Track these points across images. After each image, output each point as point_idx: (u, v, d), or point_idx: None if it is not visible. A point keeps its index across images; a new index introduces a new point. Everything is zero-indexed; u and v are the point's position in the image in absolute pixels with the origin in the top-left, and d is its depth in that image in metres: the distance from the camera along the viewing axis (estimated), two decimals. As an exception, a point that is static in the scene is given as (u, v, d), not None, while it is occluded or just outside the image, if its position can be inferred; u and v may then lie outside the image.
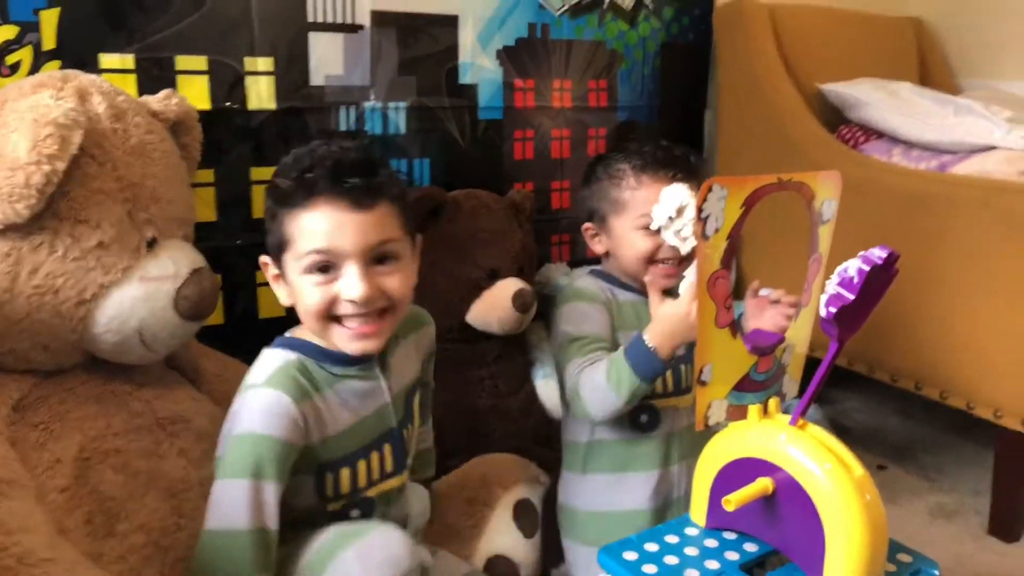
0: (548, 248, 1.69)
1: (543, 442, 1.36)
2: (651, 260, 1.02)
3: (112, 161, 0.93)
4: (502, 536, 1.12)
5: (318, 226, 0.79)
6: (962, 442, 1.71)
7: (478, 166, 1.57)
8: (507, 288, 1.35)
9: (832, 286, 0.66)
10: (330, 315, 0.82)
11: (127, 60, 1.21)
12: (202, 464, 1.02)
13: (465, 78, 1.53)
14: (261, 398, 0.80)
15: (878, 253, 0.64)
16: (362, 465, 0.87)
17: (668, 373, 1.04)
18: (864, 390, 1.92)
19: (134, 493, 0.95)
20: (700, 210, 0.68)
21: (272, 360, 0.84)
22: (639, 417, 1.04)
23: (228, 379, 1.22)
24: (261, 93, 1.32)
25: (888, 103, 1.56)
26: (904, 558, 0.79)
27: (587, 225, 1.10)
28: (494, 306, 1.35)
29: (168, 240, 1.00)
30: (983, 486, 1.50)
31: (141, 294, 0.94)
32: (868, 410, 1.86)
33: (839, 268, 0.66)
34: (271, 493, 0.77)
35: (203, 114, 1.16)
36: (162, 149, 1.02)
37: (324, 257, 0.79)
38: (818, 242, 0.80)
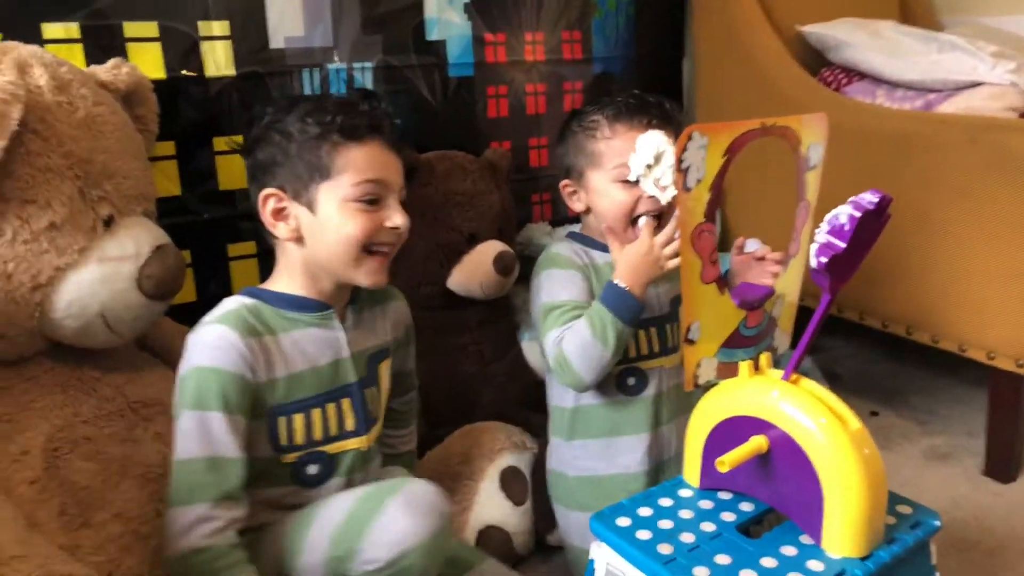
0: (529, 208, 1.65)
1: (532, 406, 1.34)
2: (632, 216, 0.97)
3: (57, 136, 0.88)
4: (491, 507, 1.10)
5: (373, 159, 0.85)
6: (953, 384, 1.70)
7: (451, 126, 1.51)
8: (488, 251, 1.31)
9: (822, 235, 0.62)
10: (366, 246, 0.86)
11: (71, 29, 1.14)
12: (179, 447, 1.00)
13: (432, 34, 1.47)
14: (206, 333, 0.82)
15: (869, 198, 0.61)
16: (316, 414, 0.87)
17: (653, 332, 1.01)
18: (854, 336, 1.91)
19: (109, 481, 0.92)
20: (680, 160, 0.64)
21: (226, 304, 0.86)
22: (626, 380, 1.01)
23: (203, 358, 1.19)
24: (218, 59, 1.26)
25: (870, 43, 1.51)
26: (904, 509, 0.77)
27: (564, 182, 1.05)
28: (475, 270, 1.32)
29: (127, 218, 0.95)
30: (976, 427, 1.49)
31: (100, 276, 0.90)
32: (859, 356, 1.85)
33: (829, 215, 0.63)
34: (220, 422, 0.79)
35: (158, 83, 1.11)
36: (113, 122, 0.96)
37: (375, 187, 0.85)
38: (805, 189, 0.77)
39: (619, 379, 1.00)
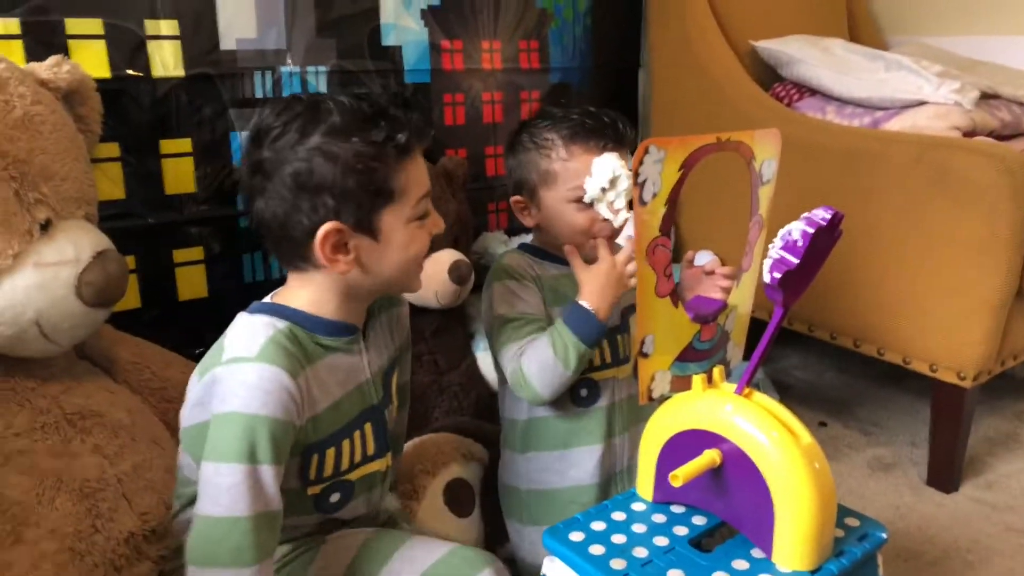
0: (485, 216, 1.64)
1: (487, 416, 1.33)
2: (589, 236, 0.97)
3: (-8, 135, 0.84)
4: (435, 523, 1.08)
5: (422, 171, 0.81)
6: (898, 395, 1.74)
7: (407, 133, 1.50)
8: (443, 260, 1.30)
9: (775, 250, 0.63)
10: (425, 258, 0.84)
11: (10, 25, 1.10)
12: (119, 459, 0.96)
13: (389, 40, 1.45)
14: (254, 374, 0.73)
15: (822, 214, 0.61)
16: (346, 445, 0.83)
17: (605, 344, 1.01)
18: (804, 348, 1.94)
19: (43, 496, 0.89)
20: (636, 174, 0.64)
21: (259, 329, 0.76)
22: (579, 391, 1.00)
23: (146, 367, 1.16)
24: (166, 59, 1.22)
25: (820, 59, 1.55)
26: (852, 522, 0.78)
27: (516, 197, 1.04)
28: (430, 279, 1.30)
29: (66, 221, 0.92)
30: (919, 438, 1.53)
31: (36, 281, 0.87)
32: (808, 368, 1.89)
33: (782, 231, 0.63)
34: (270, 476, 0.72)
35: (102, 83, 1.07)
36: (52, 121, 0.93)
37: (427, 200, 0.82)
38: (758, 204, 0.77)
39: (572, 390, 1.00)
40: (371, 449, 0.86)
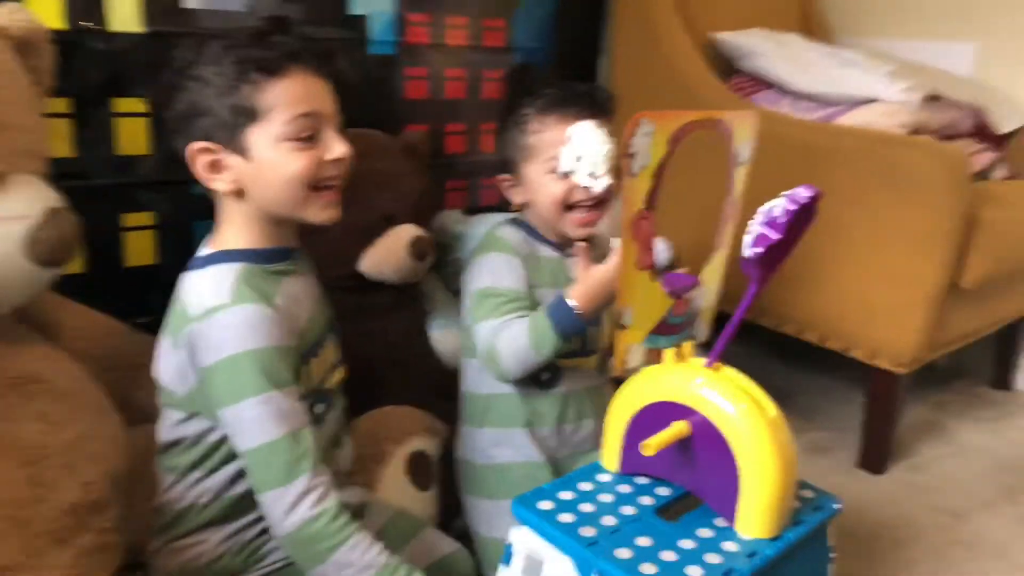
0: (443, 195, 1.63)
1: (442, 393, 1.32)
2: (567, 206, 0.98)
3: (-59, 81, 0.79)
4: (395, 492, 1.08)
5: (299, 91, 0.79)
6: (834, 382, 1.82)
7: (369, 105, 1.48)
8: (403, 235, 1.28)
9: (756, 226, 0.64)
10: (312, 183, 0.82)
11: (-42, -34, 1.03)
12: (63, 427, 0.93)
13: (355, 8, 1.42)
14: (233, 316, 0.77)
15: (804, 192, 0.63)
16: (323, 354, 0.88)
17: None
18: (744, 336, 1.99)
19: (-17, 463, 0.84)
20: (627, 146, 0.64)
21: (221, 277, 0.79)
22: (541, 375, 1.02)
23: (90, 334, 1.12)
24: (125, 13, 1.17)
25: (777, 53, 1.59)
26: (807, 494, 0.81)
27: (502, 176, 1.05)
28: (389, 254, 1.28)
29: (16, 175, 0.87)
30: (852, 423, 1.60)
31: (-18, 237, 0.82)
32: (749, 355, 1.93)
33: (762, 208, 0.65)
34: (287, 397, 0.77)
35: (56, 34, 1.02)
36: (6, 70, 0.88)
37: (308, 121, 0.80)
38: (734, 184, 0.79)
39: (535, 372, 1.00)
40: (334, 357, 0.92)
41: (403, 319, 1.39)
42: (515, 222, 1.05)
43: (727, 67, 1.70)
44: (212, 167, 0.80)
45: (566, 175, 0.94)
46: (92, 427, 0.97)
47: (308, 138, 0.80)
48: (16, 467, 0.87)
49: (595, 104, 0.97)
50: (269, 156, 0.79)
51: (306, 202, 0.82)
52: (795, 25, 1.95)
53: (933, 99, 1.52)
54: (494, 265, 0.99)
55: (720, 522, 0.74)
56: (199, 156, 0.80)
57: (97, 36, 1.16)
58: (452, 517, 1.12)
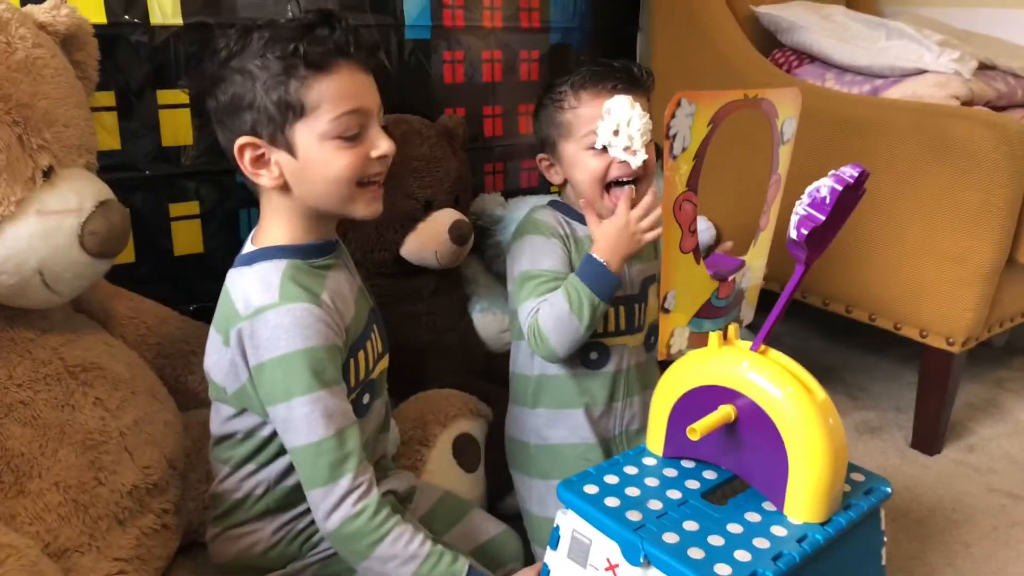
0: (481, 178, 1.63)
1: (484, 376, 1.33)
2: (606, 183, 0.97)
3: (-6, 77, 0.81)
4: (442, 474, 1.09)
5: (346, 87, 0.78)
6: (883, 362, 1.78)
7: (406, 89, 1.48)
8: (443, 219, 1.29)
9: (802, 207, 0.63)
10: (358, 180, 0.81)
11: (5, -35, 1.06)
12: (121, 413, 0.96)
13: (391, -7, 1.42)
14: (287, 315, 0.77)
15: (850, 171, 0.62)
16: (368, 346, 0.88)
17: (621, 311, 1.02)
18: (792, 315, 1.97)
19: (45, 448, 0.88)
20: (668, 127, 0.63)
21: (268, 275, 0.80)
22: (589, 354, 1.01)
23: (143, 322, 1.15)
24: (164, 6, 1.19)
25: (821, 26, 1.55)
26: (857, 477, 0.80)
27: (541, 156, 1.04)
28: (430, 239, 1.29)
29: (68, 169, 0.90)
30: (904, 403, 1.57)
31: (39, 230, 0.85)
32: (796, 335, 1.92)
33: (809, 188, 0.63)
34: (336, 396, 0.78)
35: (99, 29, 1.04)
36: (54, 66, 0.90)
37: (355, 119, 0.79)
38: (778, 163, 0.78)
39: (583, 352, 1.00)
40: (380, 347, 0.92)
41: (445, 303, 1.40)
42: (553, 204, 1.05)
43: (769, 41, 1.65)
44: (257, 162, 0.79)
45: (603, 150, 0.93)
46: (148, 412, 1.00)
47: (354, 136, 0.79)
48: (77, 452, 0.90)
49: (631, 78, 0.96)
50: (315, 153, 0.78)
51: (351, 198, 0.82)
52: (839, -5, 1.90)
53: (986, 68, 1.47)
54: (532, 248, 0.99)
55: (768, 506, 0.73)
56: (244, 151, 0.79)
57: (138, 29, 1.18)
58: (498, 498, 1.13)
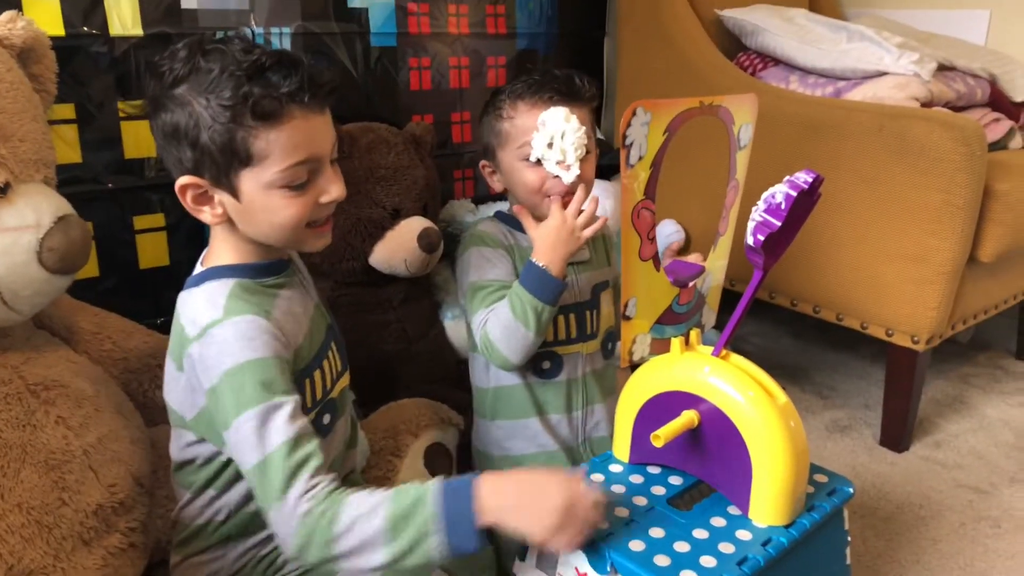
0: (451, 184, 1.63)
1: (455, 384, 1.33)
2: (543, 195, 0.96)
3: (-54, 94, 0.80)
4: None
5: (298, 137, 0.73)
6: (851, 361, 1.80)
7: (372, 97, 1.47)
8: (412, 227, 1.29)
9: (758, 213, 0.64)
10: (306, 224, 0.78)
11: (-42, -22, 1.05)
12: (84, 431, 0.94)
13: (354, 1, 1.42)
14: (231, 329, 0.73)
15: (804, 177, 0.63)
16: (325, 366, 0.84)
17: (572, 318, 1.02)
18: (759, 315, 1.99)
19: (7, 469, 0.86)
20: (624, 136, 0.64)
21: (213, 293, 0.76)
22: (541, 364, 1.01)
23: (107, 337, 1.13)
24: (124, 17, 1.18)
25: (784, 29, 1.56)
26: (820, 478, 0.81)
27: (483, 163, 1.04)
28: (399, 247, 1.29)
29: (25, 184, 0.88)
30: (872, 401, 1.59)
31: (-4, 247, 0.83)
32: (765, 335, 1.93)
33: (765, 195, 0.64)
34: (287, 408, 0.73)
35: (57, 41, 1.03)
36: (9, 80, 0.89)
37: (304, 169, 0.75)
38: (735, 168, 0.78)
39: (533, 361, 1.00)
40: (338, 365, 0.88)
41: (415, 311, 1.40)
42: (498, 215, 1.05)
43: (734, 45, 1.67)
44: (199, 199, 0.76)
45: (537, 162, 0.93)
46: (114, 429, 0.98)
47: (303, 184, 0.75)
48: (40, 472, 0.88)
49: (570, 90, 0.94)
50: (260, 201, 0.75)
51: (298, 239, 0.79)
52: (802, 0, 1.92)
53: (946, 69, 1.49)
54: (477, 259, 0.98)
55: (733, 510, 0.74)
56: (186, 190, 0.75)
57: (97, 40, 1.17)
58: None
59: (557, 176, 0.91)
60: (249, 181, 0.74)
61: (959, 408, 1.61)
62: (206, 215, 0.77)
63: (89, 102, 1.18)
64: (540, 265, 0.90)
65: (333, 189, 0.78)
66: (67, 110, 1.16)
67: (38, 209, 0.87)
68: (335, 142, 0.79)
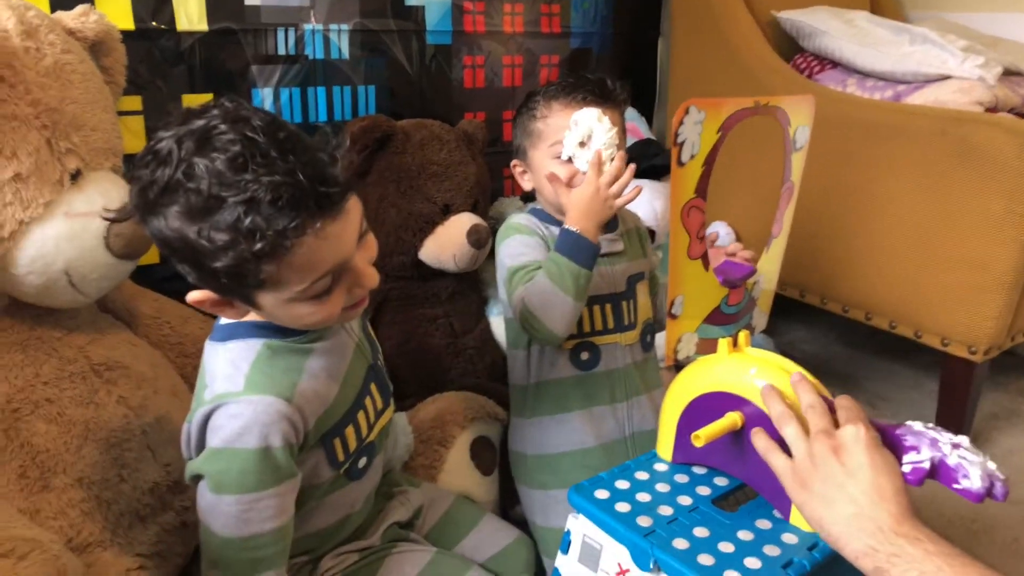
0: (501, 181, 1.64)
1: (500, 380, 1.34)
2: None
3: (25, 83, 0.84)
4: (459, 475, 1.10)
5: (319, 255, 0.64)
6: (904, 370, 1.76)
7: (426, 94, 1.49)
8: (462, 224, 1.30)
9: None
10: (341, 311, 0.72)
11: (36, -27, 1.09)
12: (144, 411, 0.98)
13: (412, -1, 1.44)
14: (248, 408, 0.69)
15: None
16: (361, 416, 0.81)
17: (608, 309, 1.02)
18: (809, 321, 1.95)
19: (70, 444, 0.90)
20: (676, 134, 0.64)
21: (238, 358, 0.72)
22: (579, 354, 1.01)
23: (166, 321, 1.17)
24: (191, 12, 1.21)
25: (844, 32, 1.54)
26: (869, 486, 0.79)
27: (514, 162, 1.06)
28: (448, 242, 1.30)
29: (95, 172, 0.92)
30: (925, 412, 1.55)
31: (67, 231, 0.87)
32: (816, 341, 1.90)
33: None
34: (277, 498, 0.71)
35: (126, 34, 1.06)
36: (82, 71, 0.92)
37: (328, 280, 0.67)
38: (790, 170, 0.78)
39: (572, 353, 1.01)
40: (379, 404, 0.85)
41: (463, 306, 1.42)
42: (531, 211, 1.06)
43: (790, 46, 1.65)
44: (217, 306, 0.69)
45: (568, 160, 0.94)
46: (170, 411, 1.02)
47: (328, 289, 0.68)
48: (102, 449, 0.92)
49: (603, 92, 0.96)
50: (283, 311, 0.68)
51: (340, 319, 0.73)
52: (862, 2, 1.88)
53: (1012, 75, 1.45)
54: (513, 246, 0.99)
55: (779, 513, 0.73)
56: (203, 302, 0.68)
57: (165, 35, 1.21)
58: (511, 504, 1.14)
59: (586, 174, 0.93)
60: (267, 298, 0.67)
61: (1016, 422, 1.56)
62: (229, 313, 0.71)
63: (155, 94, 1.22)
64: (574, 230, 0.90)
65: (365, 282, 0.70)
66: (134, 102, 1.20)
67: (107, 196, 0.90)
68: (362, 217, 0.69)
